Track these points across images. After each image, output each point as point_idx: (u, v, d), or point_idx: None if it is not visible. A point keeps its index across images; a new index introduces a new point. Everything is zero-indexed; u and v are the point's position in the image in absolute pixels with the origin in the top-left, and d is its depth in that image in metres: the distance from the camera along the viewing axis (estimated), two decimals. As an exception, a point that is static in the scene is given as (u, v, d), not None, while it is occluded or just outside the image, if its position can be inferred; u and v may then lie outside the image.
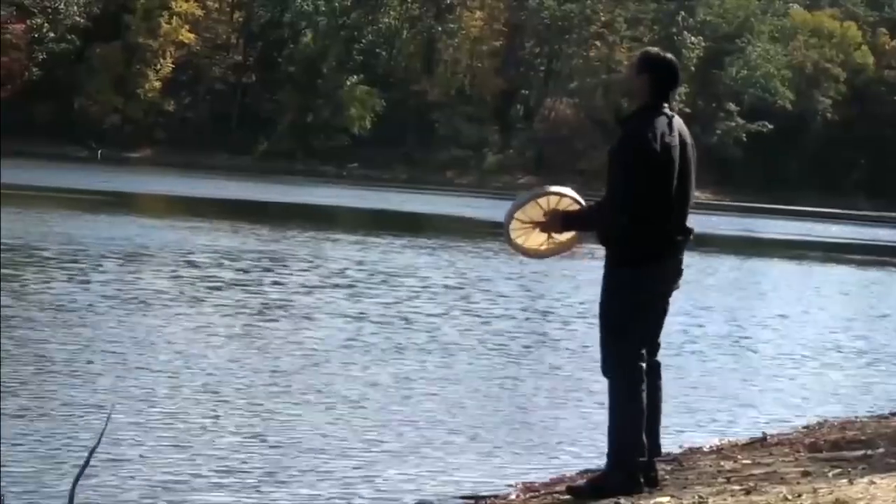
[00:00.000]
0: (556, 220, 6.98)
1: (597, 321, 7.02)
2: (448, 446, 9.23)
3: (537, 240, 7.12)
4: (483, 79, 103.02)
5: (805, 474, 7.31)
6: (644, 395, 6.83)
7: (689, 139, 6.99)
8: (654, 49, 7.29)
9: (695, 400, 11.74)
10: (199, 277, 19.29)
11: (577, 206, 7.00)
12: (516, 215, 7.04)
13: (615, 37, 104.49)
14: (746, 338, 16.95)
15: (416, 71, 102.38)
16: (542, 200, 7.02)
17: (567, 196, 7.00)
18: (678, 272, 6.98)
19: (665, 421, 7.19)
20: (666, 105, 6.90)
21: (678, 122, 6.95)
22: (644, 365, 6.86)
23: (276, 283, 19.43)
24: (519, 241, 7.10)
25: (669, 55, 7.08)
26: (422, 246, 29.52)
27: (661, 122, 6.83)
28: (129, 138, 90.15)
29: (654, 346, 7.01)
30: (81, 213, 31.62)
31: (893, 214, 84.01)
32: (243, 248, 25.26)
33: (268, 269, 21.40)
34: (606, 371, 6.92)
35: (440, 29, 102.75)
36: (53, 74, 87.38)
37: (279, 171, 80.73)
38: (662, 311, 7.00)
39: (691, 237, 6.97)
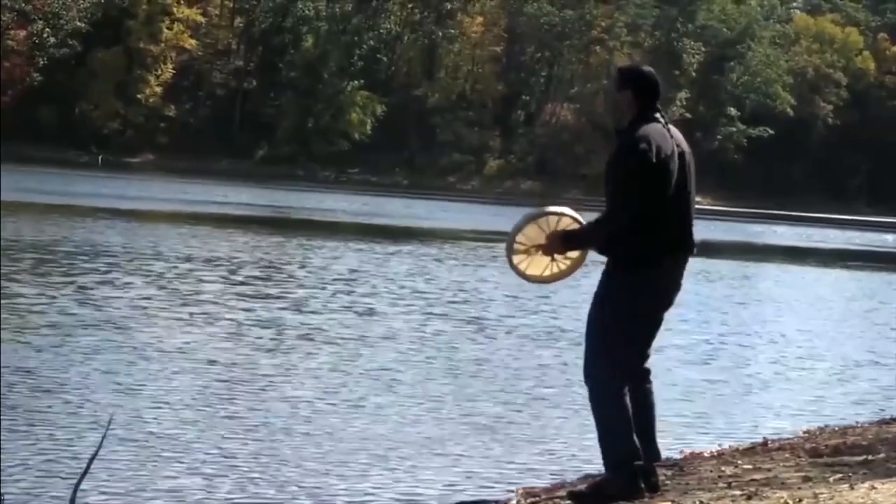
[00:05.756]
0: (557, 241, 6.97)
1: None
2: (449, 451, 9.24)
3: (540, 264, 7.09)
4: (484, 84, 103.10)
5: (806, 479, 7.31)
6: (627, 398, 6.81)
7: (686, 148, 6.97)
8: (627, 64, 7.33)
9: (695, 405, 11.74)
10: (196, 285, 19.29)
11: (576, 226, 6.98)
12: (517, 238, 7.03)
13: (615, 42, 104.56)
14: (747, 343, 16.94)
15: (416, 76, 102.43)
16: (542, 221, 7.01)
17: (567, 216, 6.99)
18: (676, 286, 6.94)
19: (665, 426, 7.19)
20: (658, 114, 6.90)
21: (675, 131, 6.94)
22: (625, 371, 6.81)
23: (275, 293, 19.42)
24: (521, 266, 7.09)
25: (647, 67, 7.09)
26: (422, 255, 29.50)
27: (658, 130, 6.82)
28: (131, 143, 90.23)
29: (644, 357, 6.97)
30: (76, 218, 31.61)
31: (894, 220, 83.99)
32: (243, 257, 25.26)
33: (268, 279, 21.39)
34: (588, 375, 6.89)
35: (441, 34, 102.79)
36: (54, 79, 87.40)
37: (280, 176, 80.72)
38: (655, 324, 6.95)
39: (693, 252, 6.94)
